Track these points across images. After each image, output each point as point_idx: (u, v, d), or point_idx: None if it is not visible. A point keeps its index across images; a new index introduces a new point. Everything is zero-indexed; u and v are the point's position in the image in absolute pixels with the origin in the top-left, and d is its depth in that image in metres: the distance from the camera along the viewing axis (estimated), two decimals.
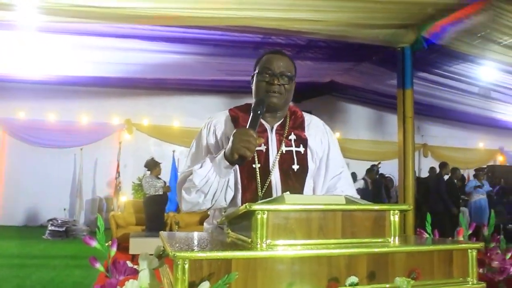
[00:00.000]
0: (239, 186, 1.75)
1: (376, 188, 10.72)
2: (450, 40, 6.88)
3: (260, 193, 1.75)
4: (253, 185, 1.76)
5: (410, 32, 6.55)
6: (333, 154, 1.93)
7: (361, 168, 12.81)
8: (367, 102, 13.24)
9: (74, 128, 11.42)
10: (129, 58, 8.35)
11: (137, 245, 6.82)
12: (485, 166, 13.21)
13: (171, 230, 8.63)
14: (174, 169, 10.94)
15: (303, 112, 1.98)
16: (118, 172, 11.17)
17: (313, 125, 1.95)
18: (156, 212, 8.41)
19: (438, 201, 9.15)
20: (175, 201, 10.12)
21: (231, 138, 1.60)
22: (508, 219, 10.37)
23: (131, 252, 6.71)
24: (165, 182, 8.95)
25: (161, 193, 8.41)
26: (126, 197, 10.91)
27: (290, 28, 6.16)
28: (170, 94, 11.95)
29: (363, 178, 11.05)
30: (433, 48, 7.25)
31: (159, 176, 8.67)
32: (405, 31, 6.46)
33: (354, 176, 12.56)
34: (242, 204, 1.70)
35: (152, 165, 8.54)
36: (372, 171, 10.85)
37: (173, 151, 11.54)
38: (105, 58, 8.35)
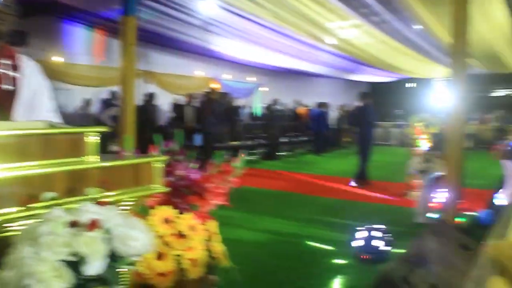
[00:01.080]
0: None
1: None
2: None
3: None
4: None
5: None
6: (46, 95, 2.13)
7: (85, 94, 12.49)
8: (92, 26, 12.69)
9: None
10: None
11: None
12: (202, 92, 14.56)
13: None
14: None
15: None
16: None
17: (26, 61, 2.07)
18: None
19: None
20: None
21: None
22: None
23: None
24: None
25: None
26: None
27: None
28: None
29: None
30: None
31: None
32: None
33: (88, 102, 12.20)
34: None
35: None
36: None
37: None
38: None
